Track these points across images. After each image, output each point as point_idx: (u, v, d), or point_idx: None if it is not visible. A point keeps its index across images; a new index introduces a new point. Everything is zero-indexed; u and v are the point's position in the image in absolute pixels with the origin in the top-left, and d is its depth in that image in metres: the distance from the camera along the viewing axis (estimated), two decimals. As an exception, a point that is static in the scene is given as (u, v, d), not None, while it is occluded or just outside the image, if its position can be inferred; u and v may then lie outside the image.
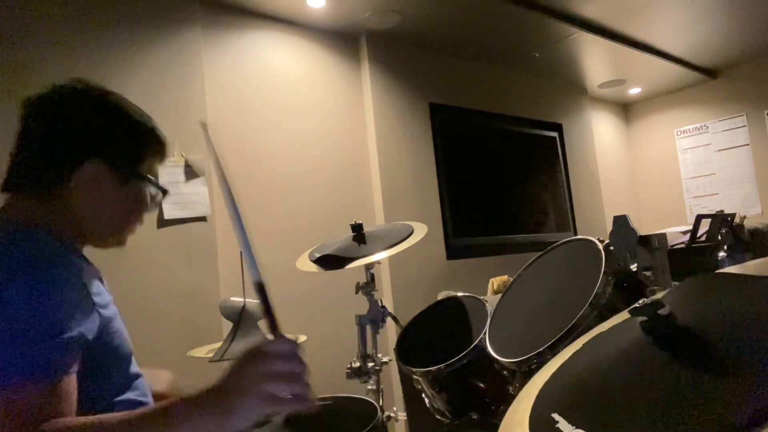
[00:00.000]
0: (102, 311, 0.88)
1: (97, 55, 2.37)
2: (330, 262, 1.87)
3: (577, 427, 0.58)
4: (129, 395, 0.93)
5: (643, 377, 0.63)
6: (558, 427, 0.59)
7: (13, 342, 0.75)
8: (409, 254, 2.23)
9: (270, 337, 0.81)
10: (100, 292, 0.91)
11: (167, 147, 1.09)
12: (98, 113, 0.98)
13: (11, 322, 0.75)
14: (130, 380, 0.95)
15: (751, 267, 0.80)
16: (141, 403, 0.95)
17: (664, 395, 0.57)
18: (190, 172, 2.53)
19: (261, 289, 0.82)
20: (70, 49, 2.31)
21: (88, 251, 1.02)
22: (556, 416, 0.62)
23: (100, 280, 0.97)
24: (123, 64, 2.43)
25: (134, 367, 0.98)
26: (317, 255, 1.92)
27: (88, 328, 0.83)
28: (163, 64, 2.55)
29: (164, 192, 1.08)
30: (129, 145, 1.00)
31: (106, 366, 0.88)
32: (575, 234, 4.51)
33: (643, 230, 1.25)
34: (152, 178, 1.04)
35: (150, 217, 2.41)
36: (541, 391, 0.72)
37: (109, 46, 2.41)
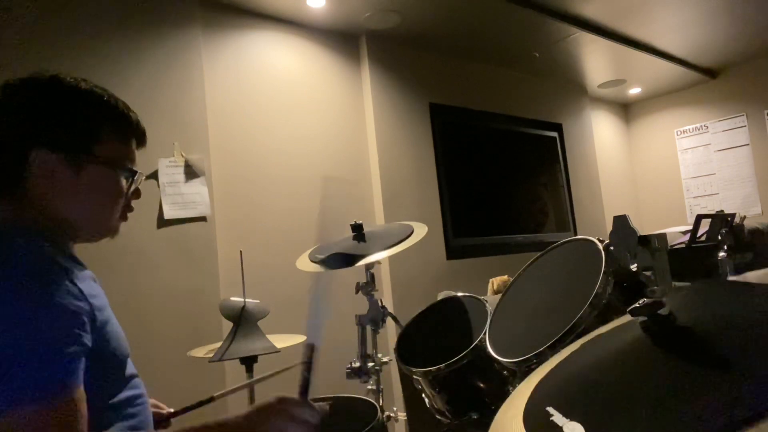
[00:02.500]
0: (98, 314, 0.86)
1: (97, 55, 2.37)
2: (335, 261, 1.87)
3: (571, 420, 0.58)
4: (125, 395, 0.92)
5: (640, 375, 0.63)
6: (552, 420, 0.60)
7: (22, 359, 0.73)
8: (409, 254, 2.23)
9: (298, 397, 0.95)
10: (96, 294, 0.88)
11: (136, 124, 1.00)
12: (39, 98, 0.90)
13: (14, 338, 0.73)
14: (126, 381, 0.94)
15: (751, 277, 0.81)
16: (137, 403, 0.94)
17: (660, 392, 0.57)
18: (190, 172, 2.53)
19: (311, 351, 1.01)
20: (70, 49, 2.31)
21: (86, 249, 1.01)
22: (550, 409, 0.62)
23: (93, 280, 0.94)
24: (123, 64, 2.43)
25: (130, 369, 0.96)
26: (320, 256, 1.91)
27: (89, 333, 0.82)
28: (163, 64, 2.55)
29: (132, 173, 0.99)
30: (77, 127, 0.92)
31: (102, 367, 0.86)
32: (575, 234, 4.50)
33: (643, 230, 1.25)
34: (114, 159, 0.95)
35: (150, 217, 2.41)
36: (537, 387, 0.73)
37: (109, 46, 2.41)
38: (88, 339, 0.81)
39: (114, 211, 0.98)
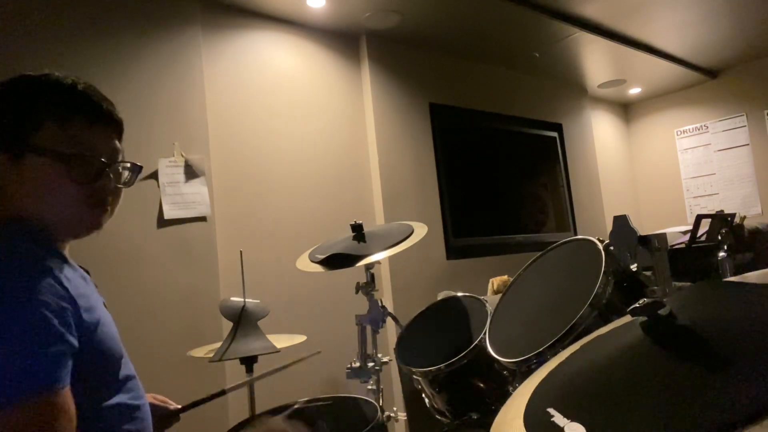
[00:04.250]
0: (85, 315, 0.82)
1: (97, 55, 2.37)
2: (335, 261, 1.87)
3: (572, 421, 0.58)
4: (120, 398, 0.89)
5: (640, 375, 0.63)
6: (553, 421, 0.60)
7: (4, 360, 0.70)
8: (409, 254, 2.24)
9: None
10: (84, 294, 0.84)
11: (80, 100, 0.89)
12: None
13: None
14: (120, 383, 0.90)
15: (752, 278, 0.81)
16: (133, 407, 0.91)
17: (660, 392, 0.57)
18: (190, 172, 2.53)
19: None
20: (70, 49, 2.31)
21: (85, 248, 1.00)
22: (551, 410, 0.62)
23: (84, 280, 0.91)
24: (123, 63, 2.43)
25: (125, 370, 0.92)
26: (320, 256, 1.91)
27: (74, 334, 0.79)
28: (163, 64, 2.55)
29: (67, 157, 0.86)
30: (11, 119, 0.85)
31: (93, 370, 0.83)
32: (575, 234, 4.51)
33: (643, 230, 1.26)
34: (56, 147, 0.86)
35: (150, 217, 2.41)
36: (537, 388, 0.73)
37: (109, 46, 2.41)
38: (73, 339, 0.78)
39: (76, 203, 0.88)
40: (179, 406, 1.21)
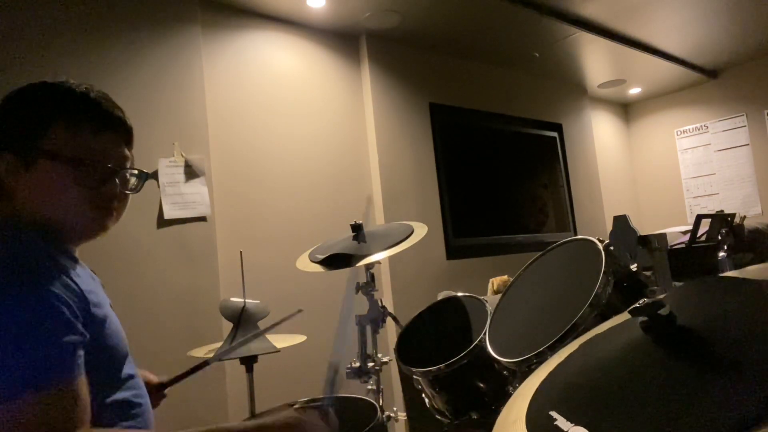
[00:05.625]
0: (94, 310, 0.85)
1: (97, 55, 2.37)
2: (335, 261, 1.87)
3: (575, 425, 0.58)
4: (122, 395, 0.91)
5: (641, 376, 0.63)
6: (556, 425, 0.59)
7: (22, 348, 0.73)
8: (409, 254, 2.24)
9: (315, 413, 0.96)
10: (93, 291, 0.87)
11: (91, 110, 0.91)
12: None
13: (14, 329, 0.73)
14: (123, 381, 0.92)
15: (751, 272, 0.80)
16: (135, 404, 0.93)
17: (662, 393, 0.57)
18: (190, 172, 2.53)
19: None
20: (70, 49, 2.31)
21: (86, 248, 1.01)
22: (554, 414, 0.62)
23: (92, 278, 0.94)
24: (123, 63, 2.43)
25: (128, 368, 0.94)
26: (320, 256, 1.91)
27: (84, 326, 0.82)
28: (163, 64, 2.54)
29: (75, 162, 0.88)
30: (22, 124, 0.88)
31: (98, 365, 0.85)
32: (575, 234, 4.50)
33: (643, 230, 1.26)
34: (64, 152, 0.88)
35: (150, 217, 2.41)
36: (538, 389, 0.73)
37: (109, 46, 2.41)
38: (84, 331, 0.81)
39: (82, 207, 0.91)
40: (163, 380, 1.23)
